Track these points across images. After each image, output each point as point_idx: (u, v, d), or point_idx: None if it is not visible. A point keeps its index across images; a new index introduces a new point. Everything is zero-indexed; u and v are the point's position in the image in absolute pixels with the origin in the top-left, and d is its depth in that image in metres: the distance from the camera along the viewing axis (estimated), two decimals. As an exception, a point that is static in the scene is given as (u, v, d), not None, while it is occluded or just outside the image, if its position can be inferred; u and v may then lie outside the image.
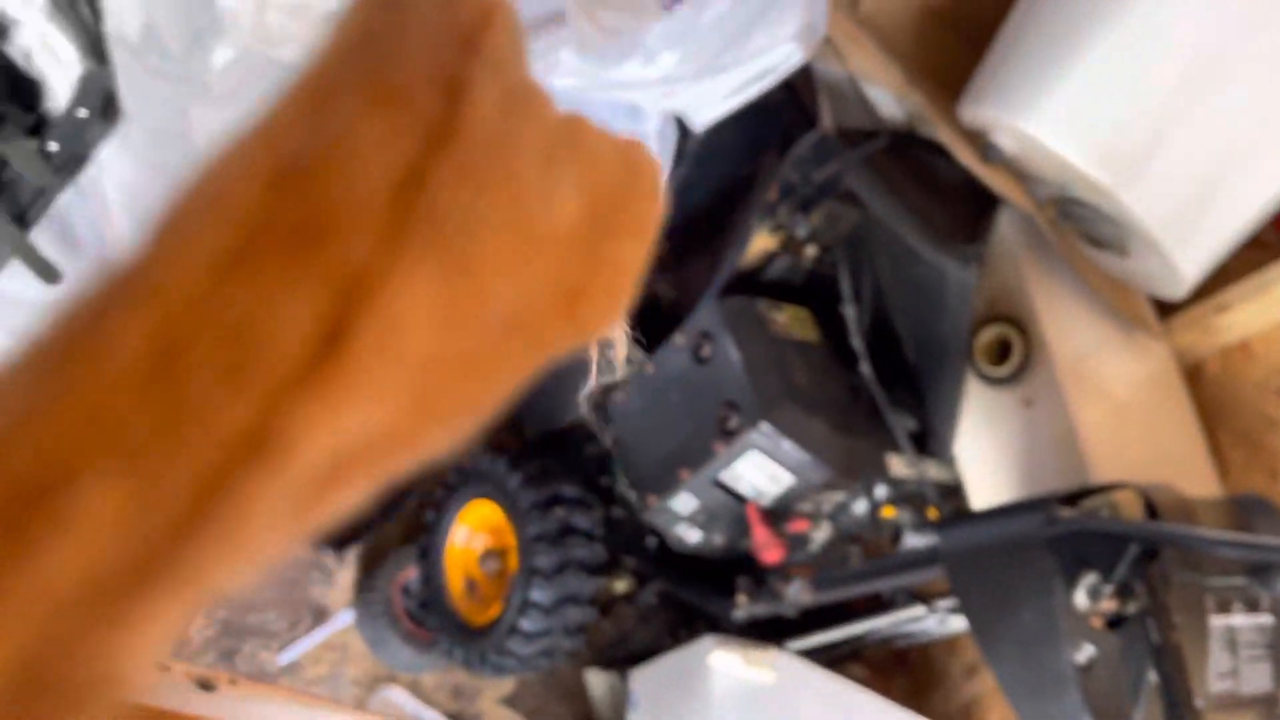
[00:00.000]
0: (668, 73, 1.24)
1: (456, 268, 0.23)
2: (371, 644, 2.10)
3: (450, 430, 0.24)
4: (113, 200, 1.15)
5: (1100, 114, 1.54)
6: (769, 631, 1.88)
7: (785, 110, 1.64)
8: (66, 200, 1.47)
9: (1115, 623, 1.25)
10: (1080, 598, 1.21)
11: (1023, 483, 1.72)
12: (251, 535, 0.21)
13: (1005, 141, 1.60)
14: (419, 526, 2.04)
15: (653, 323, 1.85)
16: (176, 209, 0.22)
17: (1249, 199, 1.59)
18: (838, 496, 1.70)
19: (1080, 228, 1.71)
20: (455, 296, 0.23)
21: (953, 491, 1.77)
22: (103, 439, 0.19)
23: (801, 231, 1.70)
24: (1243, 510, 1.41)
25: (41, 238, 1.46)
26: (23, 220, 1.41)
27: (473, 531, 1.99)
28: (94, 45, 1.29)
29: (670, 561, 1.95)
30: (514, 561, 1.87)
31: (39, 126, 1.39)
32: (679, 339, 1.74)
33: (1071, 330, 1.72)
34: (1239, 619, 1.28)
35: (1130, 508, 1.29)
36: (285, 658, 2.07)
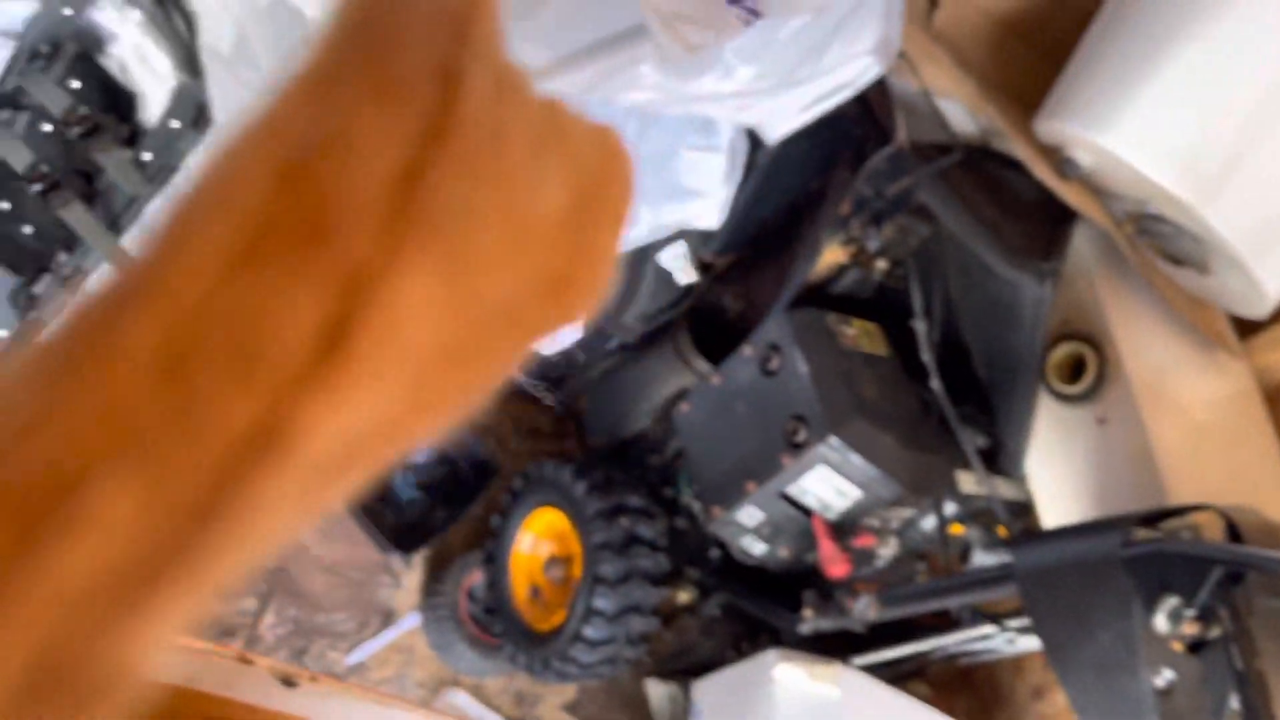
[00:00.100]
0: (745, 86, 1.24)
1: (454, 261, 0.23)
2: (437, 647, 2.12)
3: (446, 418, 0.25)
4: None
5: (1181, 129, 1.51)
6: (832, 646, 1.87)
7: (859, 124, 1.64)
8: (157, 207, 1.52)
9: (1196, 647, 1.23)
10: (1160, 621, 1.18)
11: (1095, 502, 1.68)
12: (261, 528, 0.21)
13: (1083, 156, 1.57)
14: (485, 532, 2.06)
15: (720, 334, 1.85)
16: (186, 205, 0.22)
17: (1335, 216, 1.55)
18: (906, 512, 1.68)
19: (1158, 244, 1.67)
20: (453, 289, 0.23)
21: (1023, 509, 1.74)
22: (115, 436, 0.20)
23: (873, 245, 1.69)
24: (1327, 535, 1.38)
25: (133, 244, 1.51)
26: (115, 226, 1.46)
27: (538, 538, 2.00)
28: (188, 58, 1.33)
29: (734, 573, 1.94)
30: (578, 569, 1.88)
31: (133, 137, 1.44)
32: (747, 351, 1.74)
33: (1148, 348, 1.69)
34: (1324, 647, 1.24)
35: (1212, 530, 1.26)
36: (353, 658, 2.11)
